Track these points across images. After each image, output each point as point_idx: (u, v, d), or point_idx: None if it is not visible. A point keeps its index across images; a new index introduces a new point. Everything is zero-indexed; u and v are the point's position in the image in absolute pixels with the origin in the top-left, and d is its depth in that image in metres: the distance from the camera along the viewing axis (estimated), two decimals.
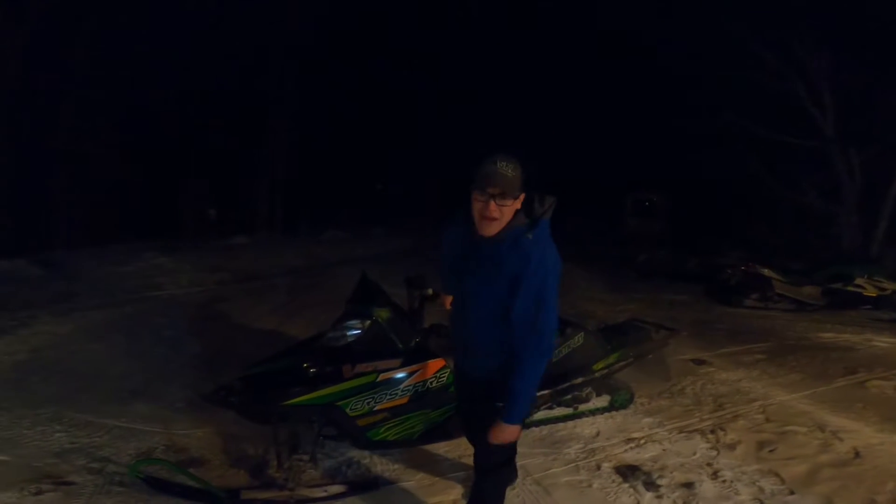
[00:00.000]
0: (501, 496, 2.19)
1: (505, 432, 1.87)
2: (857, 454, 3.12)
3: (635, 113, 16.23)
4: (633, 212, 16.50)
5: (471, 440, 2.26)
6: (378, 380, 2.84)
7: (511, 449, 2.20)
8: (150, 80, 11.25)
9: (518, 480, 2.77)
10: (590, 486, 2.78)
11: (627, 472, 2.88)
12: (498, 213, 1.81)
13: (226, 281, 8.41)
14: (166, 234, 12.01)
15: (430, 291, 3.08)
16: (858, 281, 7.69)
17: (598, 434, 3.34)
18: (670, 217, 16.17)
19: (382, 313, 2.94)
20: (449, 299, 2.35)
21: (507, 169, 1.80)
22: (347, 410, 2.80)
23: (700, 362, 4.88)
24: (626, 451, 3.15)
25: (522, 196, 1.86)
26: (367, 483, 2.79)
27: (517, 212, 1.87)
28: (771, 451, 3.15)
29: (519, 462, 2.80)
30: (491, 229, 1.84)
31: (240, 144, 13.99)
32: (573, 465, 2.88)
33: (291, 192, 15.50)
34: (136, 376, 4.30)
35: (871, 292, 7.64)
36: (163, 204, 13.49)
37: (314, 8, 13.49)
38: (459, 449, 3.14)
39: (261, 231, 14.34)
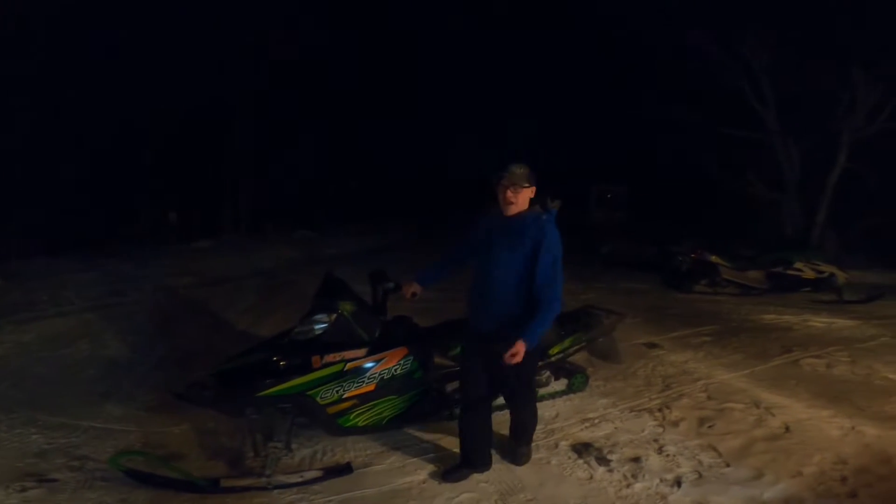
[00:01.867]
0: (534, 412, 2.98)
1: (520, 350, 2.49)
2: (787, 429, 3.38)
3: (598, 107, 16.65)
4: (596, 203, 16.97)
5: (492, 387, 2.85)
6: (346, 369, 3.01)
7: (528, 374, 2.85)
8: (108, 80, 10.86)
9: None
10: (548, 462, 3.02)
11: (582, 448, 3.13)
12: (514, 198, 2.62)
13: (191, 285, 8.28)
14: (126, 240, 11.63)
15: (391, 285, 3.26)
16: (798, 265, 8.22)
17: (556, 415, 3.59)
18: (631, 208, 16.72)
19: (347, 306, 3.11)
20: (410, 290, 3.03)
21: (517, 168, 2.62)
22: (318, 399, 2.96)
23: (652, 346, 5.22)
24: (581, 430, 3.40)
25: (534, 188, 2.65)
26: (341, 468, 2.95)
27: (533, 203, 2.67)
28: (710, 426, 3.43)
29: None
30: (511, 210, 2.64)
31: (202, 144, 13.59)
32: (534, 444, 3.10)
33: (258, 193, 15.09)
34: (106, 380, 4.33)
35: (809, 275, 8.19)
36: (121, 209, 12.94)
37: (284, 7, 13.18)
38: (428, 433, 3.35)
39: (225, 233, 13.95)
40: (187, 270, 9.19)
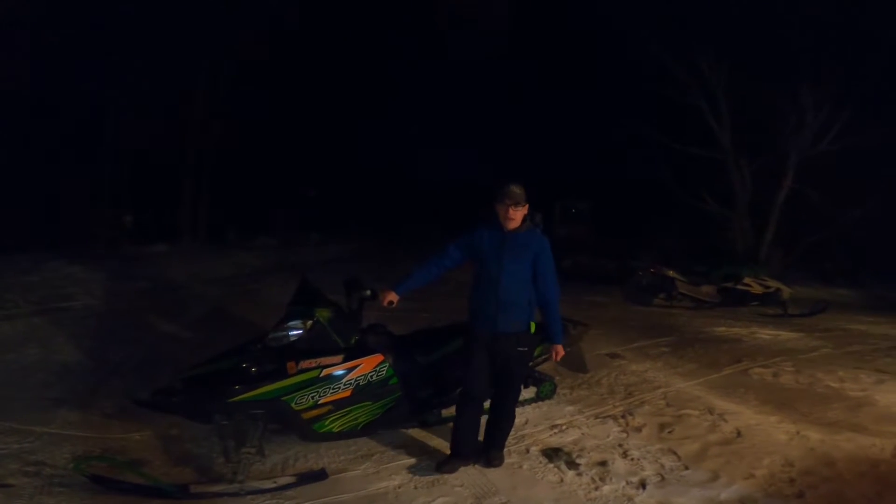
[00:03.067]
0: (513, 415, 3.22)
1: (561, 349, 3.17)
2: (739, 434, 3.57)
3: (562, 124, 17.11)
4: (560, 218, 17.33)
5: (493, 383, 3.11)
6: (321, 375, 3.02)
7: (522, 373, 3.34)
8: (60, 75, 10.39)
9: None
10: (520, 467, 3.10)
11: (552, 453, 3.23)
12: (514, 215, 2.96)
13: (145, 290, 8.02)
14: (75, 242, 11.00)
15: (367, 293, 3.29)
16: (747, 280, 8.70)
17: (526, 422, 3.68)
18: (594, 223, 17.16)
19: (324, 313, 3.12)
20: (387, 298, 3.12)
21: (516, 188, 2.95)
22: (293, 405, 2.96)
23: (614, 356, 5.41)
24: (550, 435, 3.51)
25: (527, 206, 2.99)
26: (316, 473, 2.94)
27: (525, 218, 3.01)
28: (670, 432, 3.60)
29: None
30: (512, 225, 2.98)
31: (159, 145, 13.03)
32: (506, 449, 3.18)
33: (218, 197, 14.62)
34: (59, 385, 4.16)
35: (757, 290, 8.67)
36: (70, 210, 12.22)
37: (249, 10, 12.93)
38: (403, 439, 3.38)
39: (184, 238, 13.51)
40: (142, 275, 8.91)
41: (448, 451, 3.11)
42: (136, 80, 11.50)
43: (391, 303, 3.15)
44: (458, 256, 3.15)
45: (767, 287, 8.67)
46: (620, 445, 3.39)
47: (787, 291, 8.60)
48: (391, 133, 19.13)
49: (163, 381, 3.46)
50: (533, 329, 3.09)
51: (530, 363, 3.60)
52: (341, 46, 16.56)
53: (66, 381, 4.23)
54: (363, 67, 17.55)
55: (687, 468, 3.12)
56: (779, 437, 3.53)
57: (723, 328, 6.98)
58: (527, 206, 2.98)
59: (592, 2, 12.48)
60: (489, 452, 3.09)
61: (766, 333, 6.71)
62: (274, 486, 2.80)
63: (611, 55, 12.37)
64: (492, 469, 3.04)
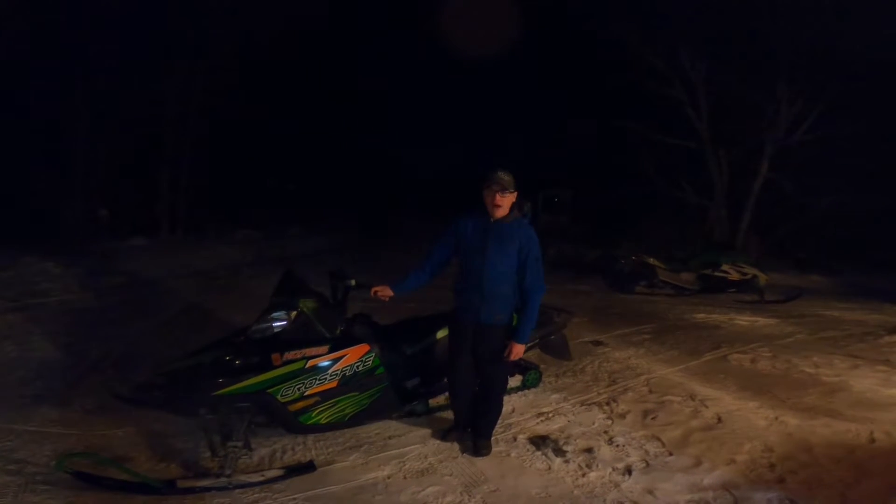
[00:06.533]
0: (500, 404, 3.23)
1: (518, 349, 2.96)
2: (719, 419, 3.65)
3: (546, 114, 17.14)
4: (543, 208, 17.41)
5: (476, 372, 3.13)
6: (307, 366, 2.99)
7: (507, 364, 3.20)
8: (29, 66, 10.01)
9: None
10: (508, 455, 3.13)
11: (539, 441, 3.27)
12: (501, 202, 2.86)
13: (123, 285, 7.82)
14: (48, 237, 10.64)
15: (352, 282, 3.29)
16: (725, 267, 8.86)
17: (513, 410, 3.71)
18: (576, 212, 17.31)
19: (308, 304, 3.10)
20: (383, 291, 3.17)
21: (504, 174, 2.87)
22: (278, 397, 2.93)
23: (598, 343, 5.48)
24: (537, 423, 3.54)
25: (516, 193, 2.89)
26: (304, 466, 2.92)
27: (513, 206, 2.92)
28: (653, 418, 3.67)
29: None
30: (499, 213, 2.89)
31: (136, 138, 12.66)
32: (493, 438, 3.21)
33: (197, 190, 14.25)
34: (38, 382, 4.06)
35: (734, 277, 8.84)
36: (43, 203, 11.81)
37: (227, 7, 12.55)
38: (390, 429, 3.38)
39: (162, 232, 13.21)
40: (119, 270, 8.70)
41: (438, 440, 3.21)
42: (109, 72, 11.11)
43: (385, 297, 3.20)
44: (445, 252, 3.13)
45: (744, 274, 8.84)
46: (606, 432, 3.44)
47: (763, 278, 8.79)
48: (375, 126, 18.96)
49: (143, 377, 3.42)
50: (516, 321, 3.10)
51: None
52: (322, 38, 16.26)
53: (45, 378, 4.13)
54: (346, 60, 17.30)
55: (671, 454, 3.18)
56: (758, 423, 3.62)
57: (702, 315, 7.11)
58: (515, 193, 2.91)
59: None
60: (477, 441, 3.11)
61: (743, 320, 6.86)
62: (262, 479, 2.78)
63: (594, 48, 12.39)
64: (480, 458, 3.06)
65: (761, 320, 6.85)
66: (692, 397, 4.05)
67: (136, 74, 11.49)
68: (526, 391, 4.04)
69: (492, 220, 2.94)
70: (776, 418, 3.69)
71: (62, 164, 11.94)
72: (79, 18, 10.20)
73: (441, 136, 19.33)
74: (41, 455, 2.98)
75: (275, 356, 2.96)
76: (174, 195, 13.84)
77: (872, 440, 3.36)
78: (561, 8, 13.00)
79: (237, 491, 2.68)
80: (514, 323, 3.04)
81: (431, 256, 3.15)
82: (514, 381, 4.02)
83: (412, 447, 3.17)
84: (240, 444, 2.87)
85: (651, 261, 8.73)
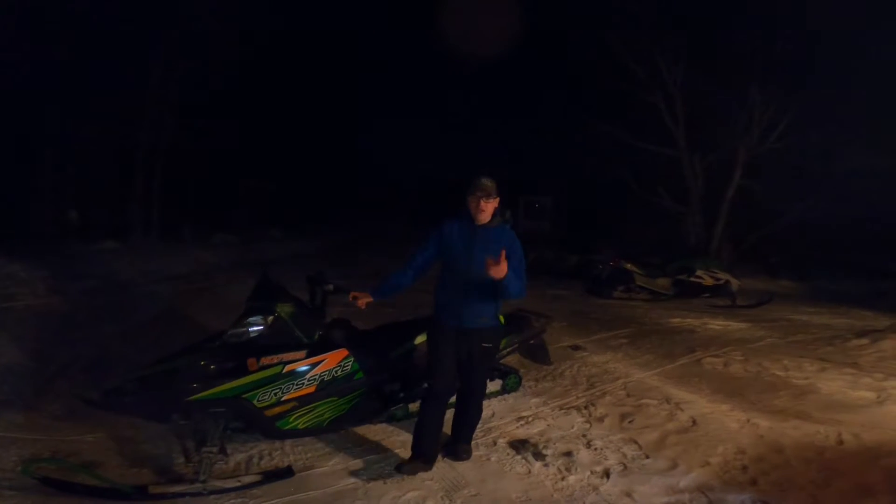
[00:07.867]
0: (480, 408, 3.20)
1: (501, 270, 2.71)
2: (694, 422, 3.70)
3: (526, 120, 17.25)
4: (524, 213, 17.51)
5: (459, 375, 3.05)
6: (284, 371, 2.97)
7: (488, 366, 3.29)
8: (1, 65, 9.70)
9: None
10: (488, 459, 3.13)
11: (519, 445, 3.28)
12: (485, 207, 2.90)
13: (94, 289, 7.62)
14: (15, 239, 10.18)
15: (330, 287, 3.27)
16: (699, 273, 9.05)
17: (493, 415, 3.72)
18: (555, 218, 17.46)
19: (285, 308, 3.06)
20: (361, 299, 3.14)
21: (488, 181, 2.91)
22: (255, 402, 2.90)
23: (576, 348, 5.54)
24: (517, 427, 3.56)
25: (498, 199, 2.93)
26: (282, 471, 2.88)
27: (496, 212, 2.95)
28: (630, 421, 3.71)
29: None
30: (483, 218, 2.93)
31: (110, 138, 12.33)
32: (473, 442, 3.20)
33: (172, 193, 13.98)
34: (3, 387, 3.94)
35: (708, 282, 9.04)
36: (11, 203, 11.45)
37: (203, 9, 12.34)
38: (369, 433, 3.36)
39: (134, 235, 12.86)
40: (89, 273, 8.47)
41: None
42: (81, 71, 10.82)
43: (365, 303, 3.16)
44: (429, 255, 3.11)
45: (718, 279, 9.04)
46: (584, 436, 3.46)
47: (735, 283, 9.00)
48: (358, 130, 18.86)
49: (114, 382, 3.32)
50: (503, 321, 3.11)
51: (496, 356, 3.62)
52: (304, 39, 16.12)
53: (10, 384, 4.01)
54: (328, 64, 17.19)
55: (648, 457, 3.21)
56: (731, 426, 3.67)
57: (677, 319, 7.23)
58: (497, 199, 2.94)
59: (556, 1, 12.65)
60: (457, 446, 3.10)
61: (716, 324, 6.99)
62: (238, 484, 2.74)
63: (573, 55, 12.57)
64: (461, 462, 3.06)
65: (734, 324, 7.00)
66: (668, 400, 4.10)
67: (109, 75, 11.21)
68: (506, 395, 4.05)
69: (477, 224, 2.97)
70: (748, 420, 3.75)
71: (31, 163, 11.58)
72: (50, 19, 9.94)
73: (421, 141, 19.29)
74: (7, 460, 2.90)
75: (250, 361, 2.93)
76: (148, 197, 13.53)
77: (841, 441, 3.44)
78: (542, 15, 13.13)
79: (212, 497, 2.63)
80: (503, 322, 3.08)
81: (415, 259, 3.13)
82: (494, 385, 4.03)
83: (392, 452, 3.15)
84: (215, 449, 2.82)
85: (628, 266, 8.87)
